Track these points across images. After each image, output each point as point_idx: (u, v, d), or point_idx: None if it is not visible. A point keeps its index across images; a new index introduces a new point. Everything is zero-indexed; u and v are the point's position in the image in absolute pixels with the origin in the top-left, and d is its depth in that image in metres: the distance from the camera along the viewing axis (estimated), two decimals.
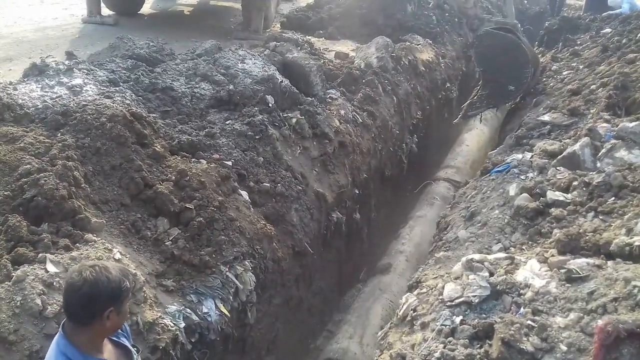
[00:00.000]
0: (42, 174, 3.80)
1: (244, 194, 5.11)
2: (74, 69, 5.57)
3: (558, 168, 4.56)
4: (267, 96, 6.34)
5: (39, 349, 2.90)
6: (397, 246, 6.90)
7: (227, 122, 5.83)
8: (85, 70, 5.62)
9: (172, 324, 3.62)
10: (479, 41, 8.11)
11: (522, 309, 2.98)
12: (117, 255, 3.59)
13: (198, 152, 5.16)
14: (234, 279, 4.30)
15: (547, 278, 3.17)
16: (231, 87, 6.25)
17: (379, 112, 7.94)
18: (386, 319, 5.43)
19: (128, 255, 3.77)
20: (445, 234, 4.73)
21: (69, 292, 2.35)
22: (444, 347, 2.90)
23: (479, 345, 2.86)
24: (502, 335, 2.75)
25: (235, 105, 6.14)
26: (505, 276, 3.22)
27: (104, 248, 3.59)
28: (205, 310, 3.95)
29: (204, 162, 5.03)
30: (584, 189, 4.08)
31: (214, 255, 4.29)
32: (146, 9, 12.42)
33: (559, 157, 4.69)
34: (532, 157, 4.94)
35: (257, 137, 5.74)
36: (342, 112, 7.20)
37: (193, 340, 3.82)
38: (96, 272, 2.35)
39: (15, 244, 3.40)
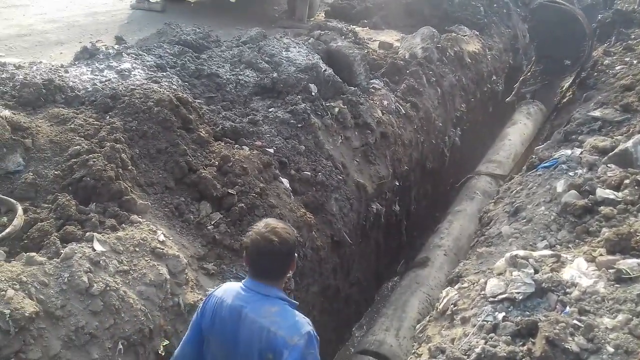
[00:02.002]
0: (91, 155, 3.89)
1: (285, 181, 5.13)
2: (123, 53, 5.68)
3: (609, 165, 4.40)
4: (310, 85, 6.33)
5: (84, 325, 2.97)
6: (436, 240, 6.81)
7: (270, 110, 5.85)
8: (133, 55, 5.72)
9: None
10: (533, 14, 7.82)
11: (567, 308, 2.90)
12: (161, 237, 3.66)
13: (241, 138, 5.20)
14: None
15: (595, 277, 3.08)
16: (275, 74, 6.27)
17: (422, 104, 7.84)
18: (423, 312, 5.39)
19: (171, 238, 3.83)
20: (487, 229, 4.64)
21: (264, 253, 2.61)
22: (485, 343, 2.85)
23: (521, 343, 2.81)
24: (546, 334, 2.69)
25: (278, 93, 6.15)
26: (550, 274, 3.14)
27: (149, 229, 3.66)
28: None
29: (247, 148, 5.07)
30: (636, 187, 3.93)
31: None
32: None
33: (610, 154, 4.53)
34: (581, 153, 4.78)
35: (299, 125, 5.75)
36: (385, 102, 7.14)
37: None
38: (281, 235, 2.63)
39: (64, 222, 3.49)
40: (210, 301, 2.79)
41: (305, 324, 2.59)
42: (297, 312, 2.66)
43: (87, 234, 3.40)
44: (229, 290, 2.77)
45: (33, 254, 3.13)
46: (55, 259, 3.15)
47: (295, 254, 2.75)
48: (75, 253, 3.18)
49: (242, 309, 2.63)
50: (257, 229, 2.69)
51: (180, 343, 2.90)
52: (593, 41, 7.74)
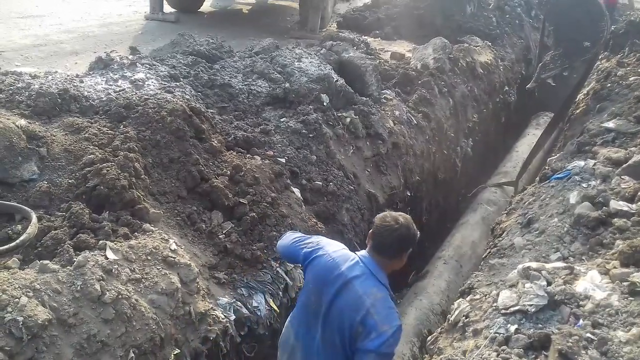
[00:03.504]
0: (104, 164, 3.93)
1: (296, 191, 5.14)
2: (137, 63, 5.75)
3: (623, 177, 4.35)
4: (322, 95, 6.36)
5: (96, 333, 2.98)
6: (436, 254, 6.91)
7: (281, 120, 5.88)
8: (147, 65, 5.78)
9: (223, 316, 3.68)
10: None
11: (581, 320, 2.87)
12: (173, 246, 3.68)
13: (253, 148, 5.23)
14: (284, 275, 4.33)
15: (609, 290, 3.04)
16: (287, 85, 6.30)
17: (434, 114, 7.84)
18: (421, 318, 5.51)
19: (183, 247, 3.85)
20: (500, 241, 4.60)
21: (388, 231, 2.92)
22: (497, 356, 2.82)
23: (534, 356, 2.77)
24: (559, 347, 2.65)
25: (290, 103, 6.19)
26: (564, 286, 3.10)
27: (161, 238, 3.68)
28: (255, 304, 4.00)
29: (258, 158, 5.09)
30: None
31: (265, 251, 4.34)
32: (206, 7, 12.71)
33: (624, 165, 4.49)
34: (595, 164, 4.74)
35: (310, 135, 5.77)
36: (397, 112, 7.15)
37: (242, 333, 3.88)
38: (407, 221, 2.97)
39: (77, 231, 3.52)
40: (320, 254, 3.09)
41: (397, 317, 2.88)
42: (393, 305, 2.93)
43: (100, 242, 3.42)
44: (343, 255, 3.06)
45: (46, 261, 3.15)
46: (68, 267, 3.17)
47: (411, 249, 3.04)
48: (88, 261, 3.20)
49: (352, 279, 2.92)
50: (390, 212, 3.04)
51: (286, 248, 3.33)
52: (610, 21, 7.63)
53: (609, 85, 7.53)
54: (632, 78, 7.42)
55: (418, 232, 3.06)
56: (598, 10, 7.11)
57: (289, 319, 3.36)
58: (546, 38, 8.91)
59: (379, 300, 2.86)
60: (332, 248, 3.13)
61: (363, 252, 3.04)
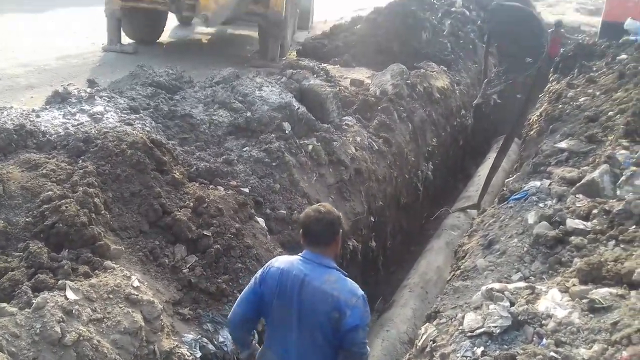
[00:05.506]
0: (63, 201, 3.83)
1: (261, 221, 5.12)
2: (96, 96, 5.68)
3: (577, 195, 4.50)
4: (283, 123, 6.40)
5: None
6: (403, 282, 7.00)
7: (244, 149, 5.89)
8: (106, 98, 5.72)
9: (189, 354, 3.60)
10: (491, 15, 8.01)
11: (544, 339, 2.93)
12: (135, 283, 3.59)
13: (216, 178, 5.20)
14: None
15: (569, 308, 3.11)
16: (249, 114, 6.32)
17: (395, 139, 7.97)
18: (387, 349, 5.57)
19: (146, 283, 3.77)
20: (463, 263, 4.67)
21: (315, 222, 3.14)
22: None
23: None
24: None
25: (252, 132, 6.20)
26: (526, 306, 3.17)
27: (123, 275, 3.60)
28: (221, 339, 3.94)
29: (222, 188, 5.06)
30: (604, 217, 4.02)
31: (230, 283, 4.29)
32: (165, 37, 12.67)
33: (578, 184, 4.64)
34: (550, 184, 4.89)
35: (273, 163, 5.78)
36: (358, 138, 7.24)
37: None
38: (326, 207, 3.23)
39: (36, 271, 3.41)
40: (270, 271, 3.21)
41: (358, 288, 3.12)
42: (349, 280, 3.15)
43: (60, 282, 3.31)
44: (288, 262, 3.22)
45: (4, 304, 3.04)
46: (26, 309, 3.05)
47: (340, 230, 3.24)
48: (48, 302, 3.10)
49: (305, 277, 3.08)
50: (309, 207, 3.36)
51: (237, 303, 3.33)
52: (548, 38, 8.03)
53: (561, 106, 7.81)
54: (582, 99, 7.71)
55: (340, 214, 3.34)
56: (538, 27, 7.41)
57: (264, 344, 3.45)
58: (490, 56, 9.20)
59: (335, 282, 3.07)
60: (278, 261, 3.28)
61: (301, 253, 3.22)
